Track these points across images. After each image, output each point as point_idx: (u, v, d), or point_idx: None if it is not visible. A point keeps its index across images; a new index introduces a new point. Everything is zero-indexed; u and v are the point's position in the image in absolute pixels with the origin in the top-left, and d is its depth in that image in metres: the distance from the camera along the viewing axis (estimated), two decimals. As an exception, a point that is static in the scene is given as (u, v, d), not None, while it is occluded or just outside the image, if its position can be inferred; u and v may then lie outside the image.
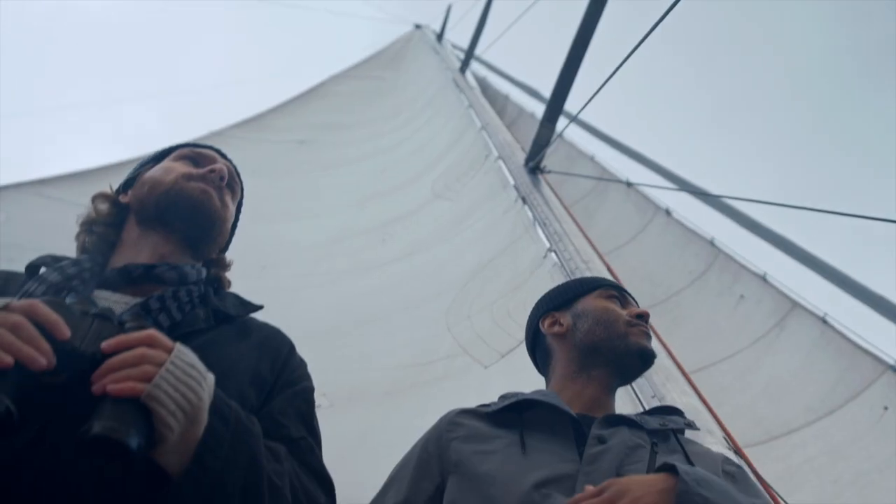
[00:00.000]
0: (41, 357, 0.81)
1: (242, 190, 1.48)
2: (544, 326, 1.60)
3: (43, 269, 1.17)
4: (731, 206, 6.23)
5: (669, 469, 1.09)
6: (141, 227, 1.29)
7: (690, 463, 1.25)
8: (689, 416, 2.10)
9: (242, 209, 1.51)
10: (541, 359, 1.63)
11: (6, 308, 0.85)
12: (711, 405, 2.30)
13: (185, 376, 0.88)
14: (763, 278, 5.94)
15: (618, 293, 1.60)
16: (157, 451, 0.87)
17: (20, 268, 1.25)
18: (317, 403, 1.27)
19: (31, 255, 1.30)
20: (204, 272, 1.31)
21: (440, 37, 14.13)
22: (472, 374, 3.01)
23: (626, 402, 2.26)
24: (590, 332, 1.50)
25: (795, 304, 5.59)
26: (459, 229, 4.90)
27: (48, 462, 0.89)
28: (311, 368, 1.33)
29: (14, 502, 0.87)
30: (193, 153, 1.40)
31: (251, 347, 1.22)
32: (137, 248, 1.26)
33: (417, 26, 16.35)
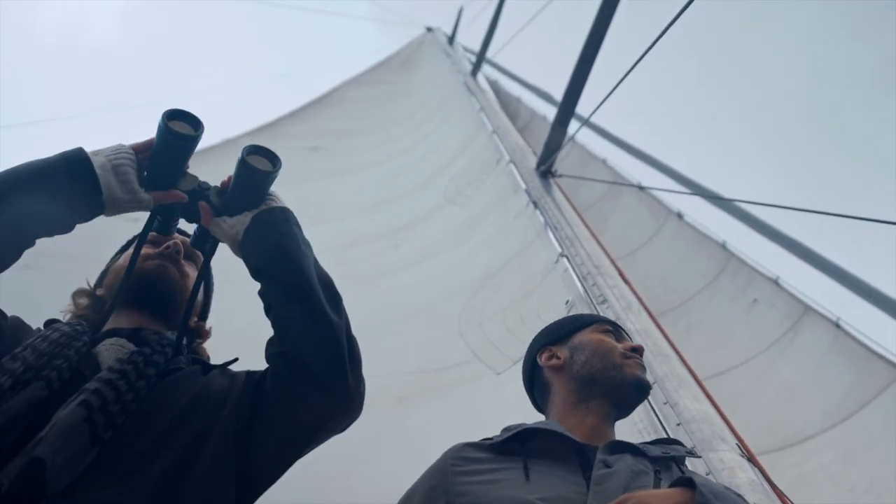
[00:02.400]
0: None
1: (208, 260, 1.57)
2: (542, 360, 1.64)
3: (57, 324, 1.37)
4: (743, 210, 6.20)
5: (685, 484, 1.11)
6: (116, 310, 1.44)
7: None
8: (701, 422, 2.12)
9: (215, 272, 1.65)
10: (538, 393, 1.67)
11: None
12: (725, 412, 2.29)
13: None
14: (776, 282, 5.90)
15: (612, 328, 1.66)
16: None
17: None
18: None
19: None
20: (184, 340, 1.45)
21: (451, 39, 14.13)
22: (485, 381, 3.01)
23: (638, 408, 2.25)
24: (586, 363, 1.55)
25: (808, 309, 5.54)
26: (471, 234, 4.90)
27: None
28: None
29: None
30: (153, 237, 1.53)
31: (217, 375, 1.36)
32: (117, 322, 1.42)
33: (429, 29, 16.39)
